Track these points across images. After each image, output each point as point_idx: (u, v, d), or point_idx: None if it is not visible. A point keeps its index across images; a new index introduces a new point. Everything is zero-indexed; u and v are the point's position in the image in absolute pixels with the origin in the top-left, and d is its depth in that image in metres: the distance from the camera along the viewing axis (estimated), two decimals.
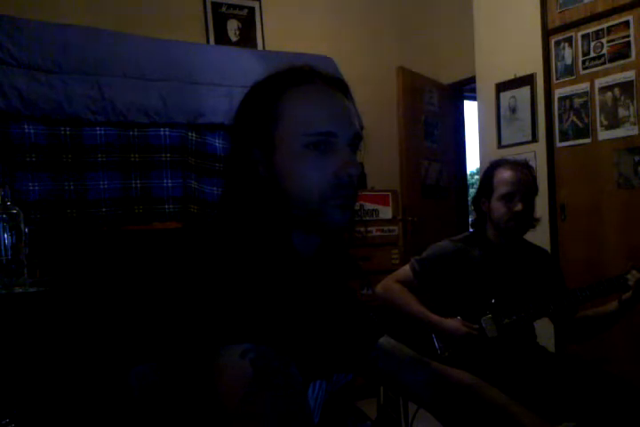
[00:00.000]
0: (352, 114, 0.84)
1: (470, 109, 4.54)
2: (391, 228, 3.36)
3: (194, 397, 0.70)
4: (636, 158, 2.65)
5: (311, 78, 0.83)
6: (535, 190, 1.80)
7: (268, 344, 0.66)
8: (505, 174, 1.76)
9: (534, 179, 1.81)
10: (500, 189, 1.75)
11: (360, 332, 0.96)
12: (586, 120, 2.87)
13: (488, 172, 1.82)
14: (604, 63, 2.78)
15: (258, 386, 0.63)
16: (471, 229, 1.93)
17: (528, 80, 3.16)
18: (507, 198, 1.74)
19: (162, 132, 2.50)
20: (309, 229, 0.83)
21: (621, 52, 2.71)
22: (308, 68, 0.84)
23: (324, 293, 0.86)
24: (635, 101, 2.66)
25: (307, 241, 0.85)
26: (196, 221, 2.53)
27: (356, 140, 0.83)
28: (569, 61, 2.94)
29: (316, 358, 0.79)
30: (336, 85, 0.85)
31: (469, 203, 5.24)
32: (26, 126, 2.21)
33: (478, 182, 1.91)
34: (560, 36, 2.98)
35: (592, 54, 2.83)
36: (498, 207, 1.76)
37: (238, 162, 0.83)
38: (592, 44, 2.83)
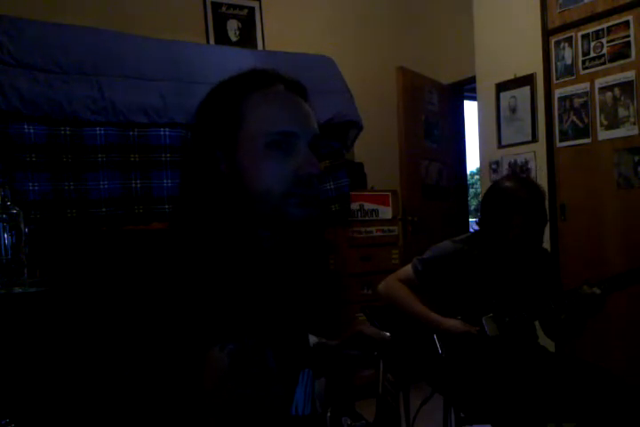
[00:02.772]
0: (312, 116, 0.88)
1: (470, 109, 4.54)
2: (391, 228, 3.36)
3: (180, 393, 0.72)
4: (636, 158, 2.65)
5: (273, 81, 0.86)
6: None
7: (247, 337, 0.69)
8: (530, 216, 1.72)
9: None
10: (523, 222, 1.72)
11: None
12: (586, 120, 2.87)
13: (509, 202, 1.74)
14: (604, 63, 2.78)
15: (232, 375, 0.67)
16: (472, 230, 1.94)
17: (528, 80, 3.16)
18: (530, 229, 1.74)
19: (162, 132, 2.50)
20: (271, 224, 0.85)
21: (621, 52, 2.71)
22: (270, 72, 0.88)
23: (293, 286, 0.90)
24: (635, 101, 2.65)
25: (269, 236, 0.87)
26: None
27: (316, 141, 0.86)
28: (569, 61, 2.94)
29: (299, 348, 0.85)
30: (296, 89, 0.88)
31: (469, 204, 5.24)
32: (26, 126, 2.21)
33: (493, 204, 1.80)
34: (560, 36, 2.98)
35: (592, 54, 2.83)
36: (520, 234, 1.74)
37: (200, 159, 0.85)
38: (592, 44, 2.83)
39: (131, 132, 2.43)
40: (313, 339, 0.98)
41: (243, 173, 0.82)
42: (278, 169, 0.81)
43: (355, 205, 3.17)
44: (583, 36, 2.87)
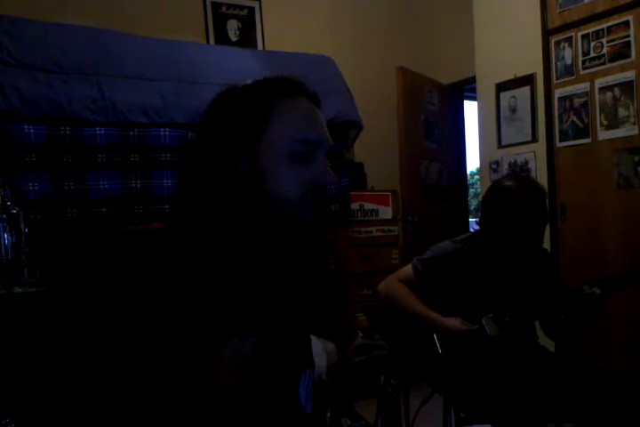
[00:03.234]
0: (326, 127, 0.91)
1: (470, 109, 4.54)
2: (391, 228, 3.36)
3: (191, 391, 0.71)
4: (636, 158, 2.65)
5: (298, 91, 0.89)
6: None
7: (266, 332, 0.70)
8: (531, 215, 1.71)
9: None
10: (524, 222, 1.71)
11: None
12: (586, 120, 2.87)
13: (509, 201, 1.73)
14: (604, 63, 2.78)
15: (254, 365, 0.67)
16: (472, 230, 1.94)
17: (528, 80, 3.16)
18: (530, 228, 1.73)
19: (162, 132, 2.49)
20: (280, 226, 0.87)
21: (621, 52, 2.71)
22: (297, 81, 0.91)
23: (293, 286, 0.93)
24: (635, 101, 2.66)
25: (271, 236, 0.89)
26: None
27: (330, 150, 0.90)
28: (569, 61, 2.94)
29: (301, 348, 0.87)
30: (314, 101, 0.91)
31: (469, 204, 5.24)
32: (26, 126, 2.21)
33: (494, 203, 1.79)
34: (560, 36, 2.98)
35: (592, 54, 2.83)
36: (521, 233, 1.73)
37: (219, 154, 0.85)
38: (592, 44, 2.83)
39: (131, 132, 2.43)
40: (317, 346, 0.98)
41: (262, 173, 0.84)
42: (299, 175, 0.84)
43: (355, 205, 3.17)
44: (583, 36, 2.87)
